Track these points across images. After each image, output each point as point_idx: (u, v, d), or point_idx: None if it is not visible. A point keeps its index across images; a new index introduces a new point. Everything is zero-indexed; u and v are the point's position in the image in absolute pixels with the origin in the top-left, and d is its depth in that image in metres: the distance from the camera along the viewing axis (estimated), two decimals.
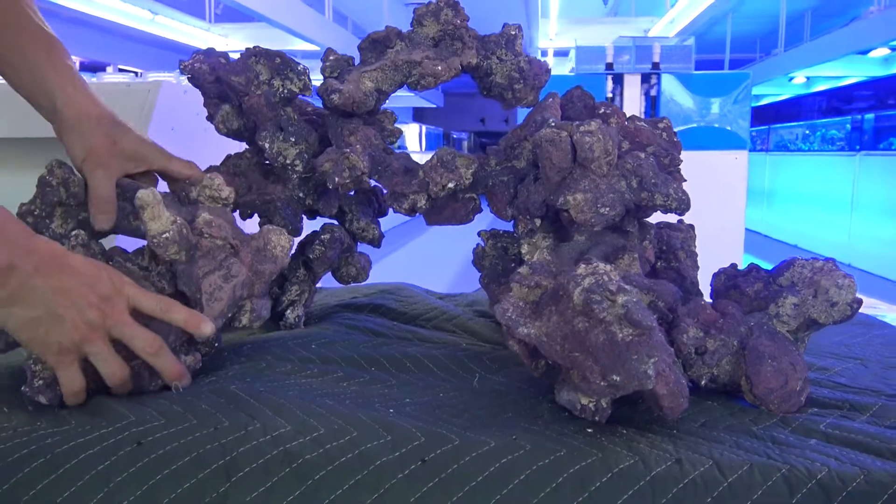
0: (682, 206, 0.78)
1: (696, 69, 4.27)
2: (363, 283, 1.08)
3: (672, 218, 0.94)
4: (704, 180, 4.08)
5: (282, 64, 0.87)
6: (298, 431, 0.56)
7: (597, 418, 0.62)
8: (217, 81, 0.89)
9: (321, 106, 0.94)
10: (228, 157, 0.97)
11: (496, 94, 0.94)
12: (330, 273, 0.99)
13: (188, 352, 0.71)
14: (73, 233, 0.72)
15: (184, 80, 1.77)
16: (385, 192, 0.99)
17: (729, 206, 4.14)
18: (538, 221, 0.85)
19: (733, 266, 0.80)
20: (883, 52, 7.68)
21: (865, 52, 7.41)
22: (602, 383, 0.57)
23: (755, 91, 12.03)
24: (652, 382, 0.57)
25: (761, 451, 0.55)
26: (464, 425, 0.59)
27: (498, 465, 0.53)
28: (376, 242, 1.03)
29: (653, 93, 4.17)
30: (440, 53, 0.90)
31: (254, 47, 0.87)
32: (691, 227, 0.95)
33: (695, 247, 0.93)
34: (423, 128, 13.40)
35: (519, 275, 0.69)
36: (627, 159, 0.79)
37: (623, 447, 0.55)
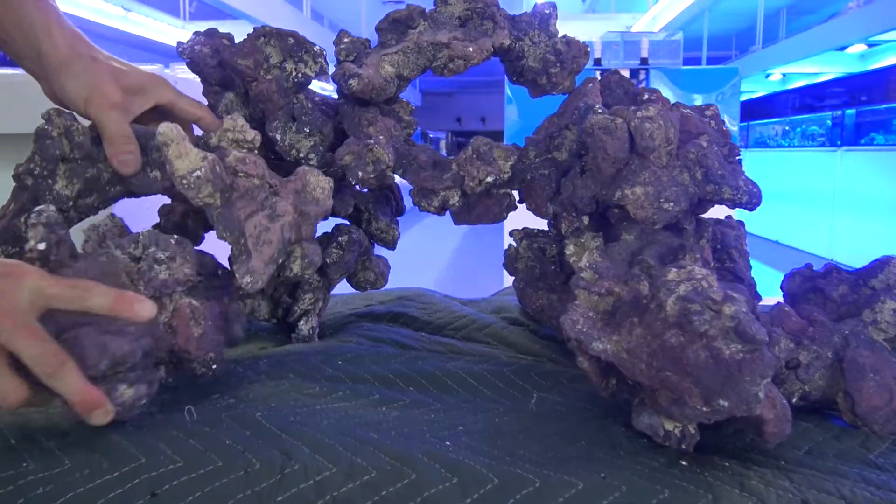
0: (754, 199, 0.70)
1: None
2: (377, 290, 0.99)
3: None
4: None
5: (295, 45, 0.77)
6: (347, 475, 0.47)
7: (683, 446, 0.54)
8: (220, 66, 0.79)
9: (332, 95, 0.85)
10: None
11: (528, 79, 0.85)
12: (346, 279, 0.90)
13: (138, 380, 0.54)
14: (36, 210, 0.58)
15: (172, 70, 1.65)
16: (400, 189, 0.90)
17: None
18: (585, 219, 0.76)
19: (809, 266, 0.72)
20: (860, 48, 7.72)
21: (843, 49, 7.44)
22: (704, 408, 0.49)
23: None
24: (761, 406, 0.48)
25: (893, 486, 0.47)
26: (537, 460, 0.50)
27: None
28: (392, 244, 0.93)
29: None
30: (469, 34, 0.81)
31: (263, 27, 0.77)
32: (741, 223, 0.87)
33: (746, 245, 0.85)
34: None
35: (584, 280, 0.60)
36: (690, 148, 0.70)
37: (733, 485, 0.47)
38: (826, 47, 7.05)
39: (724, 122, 0.84)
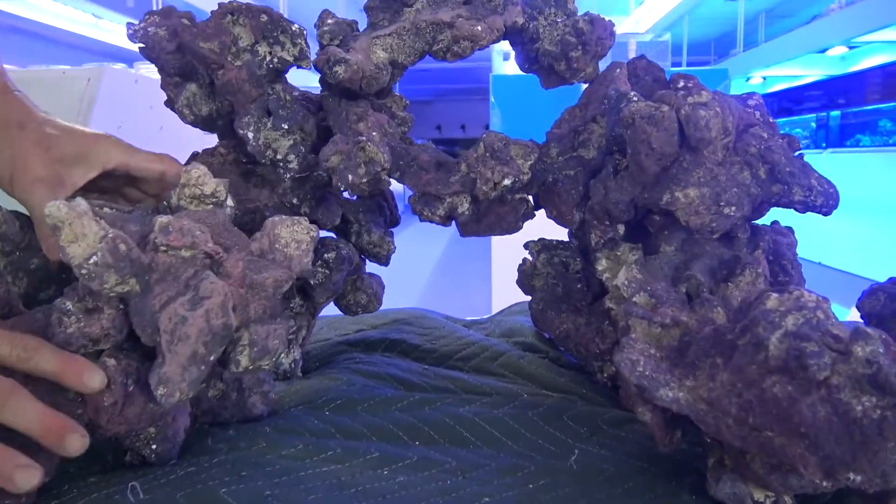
0: (831, 201, 0.58)
1: None
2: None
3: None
4: None
5: (269, 23, 0.64)
6: None
7: None
8: (179, 51, 0.66)
9: (315, 87, 0.73)
10: (195, 154, 0.74)
11: (543, 65, 0.73)
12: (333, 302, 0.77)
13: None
14: None
15: (136, 69, 1.51)
16: (398, 195, 0.77)
17: None
18: (621, 228, 0.64)
19: (893, 281, 0.60)
20: (841, 50, 7.70)
21: (823, 51, 7.42)
22: (825, 483, 0.36)
23: None
24: None
25: None
26: None
27: None
28: (385, 260, 0.80)
29: None
30: (475, 11, 0.68)
31: (230, 2, 0.64)
32: (791, 230, 0.75)
33: (797, 255, 0.73)
34: None
35: (639, 307, 0.48)
36: (751, 141, 0.58)
37: None
38: (806, 50, 7.02)
39: (768, 112, 0.72)
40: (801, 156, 0.64)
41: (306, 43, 0.65)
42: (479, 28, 0.65)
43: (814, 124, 6.69)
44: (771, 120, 0.71)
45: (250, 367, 0.46)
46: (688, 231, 0.60)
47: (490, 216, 0.69)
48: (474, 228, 0.71)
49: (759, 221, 0.66)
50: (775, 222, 0.76)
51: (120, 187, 0.66)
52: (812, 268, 6.25)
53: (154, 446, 0.48)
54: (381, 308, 0.83)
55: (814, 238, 6.54)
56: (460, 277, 5.26)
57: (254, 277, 0.48)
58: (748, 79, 10.54)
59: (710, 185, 0.55)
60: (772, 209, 0.63)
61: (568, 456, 0.51)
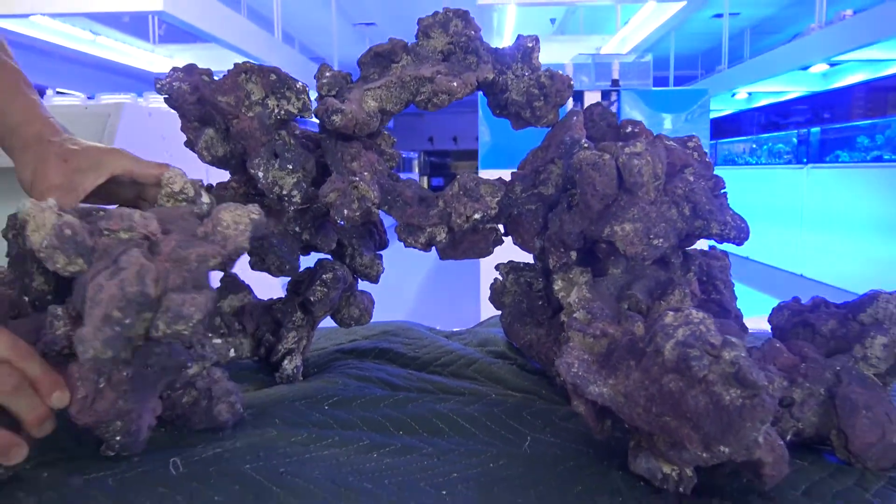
0: (742, 234, 0.70)
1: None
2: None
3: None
4: None
5: (277, 81, 0.76)
6: None
7: (681, 489, 0.53)
8: (199, 102, 0.78)
9: (316, 129, 0.84)
10: (210, 187, 0.85)
11: (511, 112, 0.85)
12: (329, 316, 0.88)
13: None
14: None
15: (145, 101, 1.64)
16: (379, 224, 0.89)
17: None
18: (573, 254, 0.75)
19: (796, 300, 0.72)
20: (822, 67, 7.90)
21: (806, 68, 7.61)
22: (704, 454, 0.48)
23: None
24: (759, 451, 0.48)
25: None
26: None
27: None
28: (375, 279, 0.92)
29: (612, 109, 4.15)
30: (452, 68, 0.80)
31: (244, 63, 0.76)
32: (726, 254, 0.87)
33: (730, 276, 0.85)
34: None
35: (577, 321, 0.60)
36: (678, 183, 0.70)
37: None
38: (789, 67, 7.20)
39: (706, 153, 0.84)
40: (724, 195, 0.76)
41: (308, 98, 0.77)
42: (455, 84, 0.77)
43: (795, 140, 6.85)
44: (707, 160, 0.83)
45: (168, 332, 0.53)
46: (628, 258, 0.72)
47: (465, 243, 0.81)
48: (451, 253, 0.82)
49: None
50: (712, 247, 0.88)
51: (117, 191, 0.79)
52: (792, 279, 6.38)
53: (118, 438, 0.57)
54: (373, 321, 0.94)
55: (793, 252, 6.68)
56: (452, 291, 5.38)
57: (179, 252, 0.56)
58: (734, 94, 10.74)
59: (642, 221, 0.67)
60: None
61: (523, 443, 0.62)
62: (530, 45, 0.83)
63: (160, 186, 0.75)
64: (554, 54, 5.96)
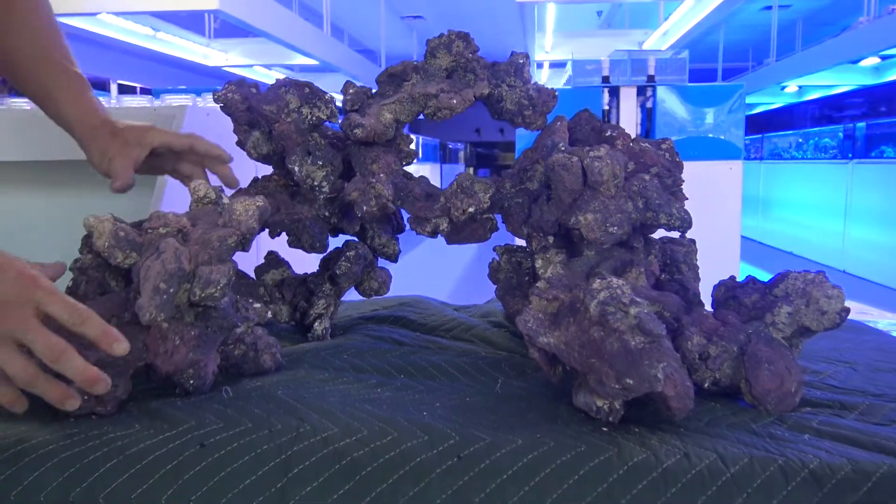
0: (685, 224, 0.85)
1: (690, 78, 4.36)
2: (382, 297, 1.15)
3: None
4: (701, 190, 4.14)
5: (310, 93, 0.93)
6: (345, 433, 0.63)
7: (611, 419, 0.69)
8: (248, 110, 0.96)
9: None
10: (256, 179, 1.03)
11: (507, 118, 1.01)
12: (353, 287, 1.06)
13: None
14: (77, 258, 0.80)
15: (203, 102, 1.85)
16: (405, 213, 1.05)
17: (725, 215, 4.21)
18: (551, 238, 0.91)
19: (732, 278, 0.87)
20: (873, 61, 7.79)
21: (856, 62, 7.52)
22: (616, 386, 0.64)
23: (748, 100, 12.17)
24: (661, 385, 0.63)
25: (760, 446, 0.62)
26: (492, 426, 0.65)
27: (526, 460, 0.60)
28: (394, 258, 1.09)
29: (648, 105, 4.24)
30: (454, 85, 0.97)
31: (284, 79, 0.94)
32: (692, 241, 1.01)
33: (696, 260, 0.99)
34: (420, 139, 13.52)
35: (538, 289, 0.76)
36: (634, 181, 0.85)
37: (637, 443, 0.62)
38: (837, 61, 7.13)
39: (677, 153, 0.99)
40: (679, 190, 0.91)
41: (336, 106, 0.94)
42: (455, 101, 0.93)
43: (840, 135, 6.80)
44: (678, 160, 0.98)
45: (203, 295, 0.70)
46: None
47: (466, 230, 0.98)
48: (455, 238, 0.99)
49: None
50: (682, 235, 1.02)
51: (171, 171, 1.07)
52: (835, 275, 6.35)
53: (192, 382, 0.75)
54: (396, 294, 1.11)
55: (839, 248, 6.64)
56: (471, 272, 5.55)
57: (205, 237, 0.75)
58: (783, 87, 10.61)
59: (601, 212, 0.83)
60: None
61: (496, 385, 0.79)
62: (521, 61, 0.99)
63: (193, 153, 1.02)
64: (596, 49, 6.04)
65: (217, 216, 0.80)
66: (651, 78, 4.20)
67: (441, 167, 15.74)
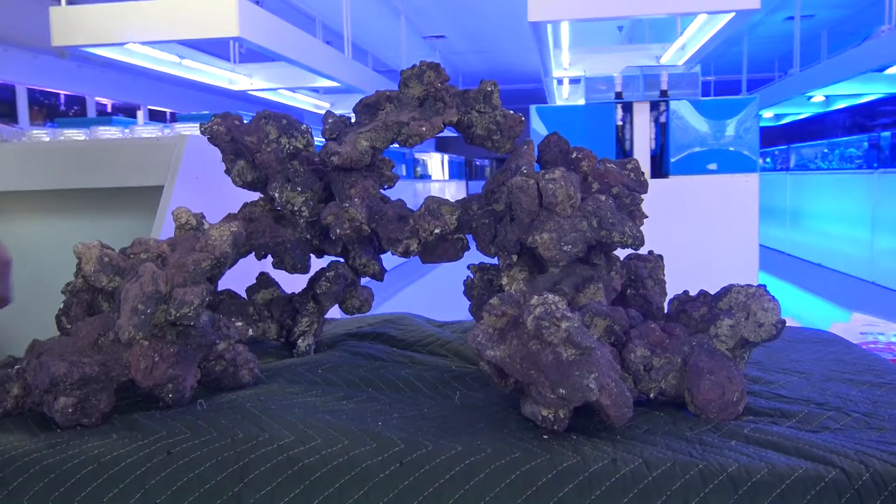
0: (637, 242, 0.89)
1: (715, 91, 4.37)
2: (370, 314, 1.20)
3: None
4: (718, 203, 4.16)
5: (287, 124, 1.00)
6: (300, 441, 0.68)
7: (556, 427, 0.73)
8: (232, 141, 1.02)
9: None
10: (245, 204, 1.10)
11: (478, 143, 1.06)
12: (337, 305, 1.11)
13: (68, 394, 0.75)
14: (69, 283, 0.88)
15: None
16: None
17: (742, 228, 4.20)
18: (515, 257, 0.96)
19: (685, 293, 0.91)
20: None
21: (881, 70, 7.43)
22: (552, 396, 0.68)
23: (775, 111, 12.06)
24: (595, 395, 0.68)
25: (685, 451, 0.66)
26: (439, 434, 0.70)
27: (462, 466, 0.64)
28: (378, 276, 1.14)
29: (662, 119, 4.26)
30: (424, 113, 1.02)
31: (263, 111, 1.00)
32: (660, 257, 1.05)
33: (663, 275, 1.03)
34: (446, 157, 13.67)
35: (490, 305, 0.80)
36: (589, 202, 0.90)
37: (569, 449, 0.66)
38: (861, 70, 7.06)
39: (643, 173, 1.03)
40: (637, 208, 0.95)
41: (311, 136, 1.00)
42: (424, 128, 0.98)
43: (865, 144, 6.72)
44: (643, 179, 1.02)
45: (178, 314, 0.77)
46: None
47: (438, 250, 1.03)
48: (429, 258, 1.04)
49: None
50: (651, 251, 1.06)
51: None
52: (863, 286, 6.26)
53: (171, 395, 0.81)
54: (385, 312, 1.17)
55: (867, 259, 6.55)
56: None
57: (181, 261, 0.81)
58: (809, 98, 10.50)
59: (556, 232, 0.87)
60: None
61: (455, 396, 0.83)
62: (489, 88, 1.04)
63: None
64: (615, 64, 6.07)
65: (195, 241, 0.86)
66: (664, 93, 4.22)
67: (467, 184, 15.85)
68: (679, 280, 1.12)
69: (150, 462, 0.67)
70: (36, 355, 0.81)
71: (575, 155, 1.03)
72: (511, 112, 1.03)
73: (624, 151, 4.27)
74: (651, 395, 0.79)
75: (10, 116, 6.45)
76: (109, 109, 8.32)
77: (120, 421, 0.77)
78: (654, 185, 4.28)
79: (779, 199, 8.80)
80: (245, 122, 1.02)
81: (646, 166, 4.19)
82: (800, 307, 5.71)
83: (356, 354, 1.01)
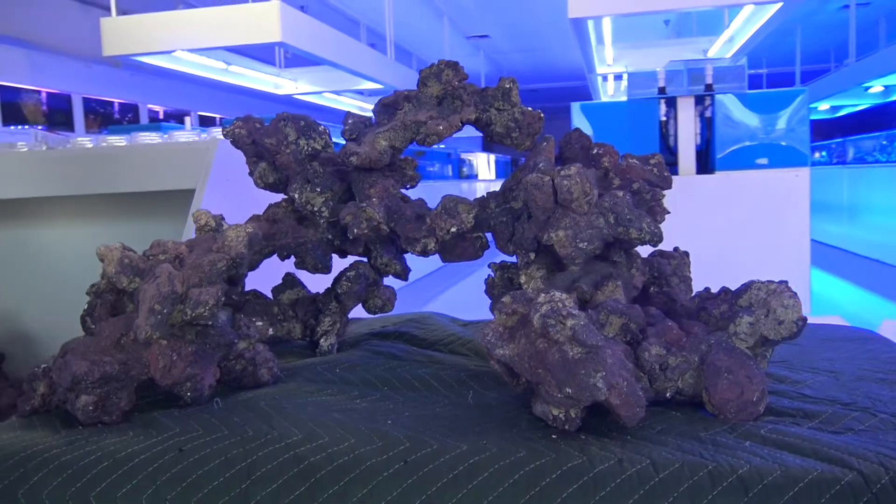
0: (655, 238, 0.87)
1: (767, 83, 4.27)
2: (395, 313, 1.20)
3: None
4: (767, 198, 4.05)
5: (305, 126, 1.01)
6: (307, 439, 0.68)
7: (567, 427, 0.72)
8: (254, 143, 1.04)
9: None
10: (270, 205, 1.11)
11: (497, 140, 1.05)
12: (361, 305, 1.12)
13: (89, 393, 0.77)
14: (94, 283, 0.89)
15: None
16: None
17: (792, 223, 4.08)
18: (532, 255, 0.95)
19: (707, 290, 0.88)
20: None
21: None
22: (559, 395, 0.67)
23: (831, 103, 11.69)
24: (603, 394, 0.66)
25: (696, 452, 0.64)
26: (447, 433, 0.70)
27: (466, 465, 0.64)
28: (403, 276, 1.14)
29: (707, 114, 4.17)
30: (442, 112, 1.02)
31: (282, 113, 1.02)
32: (685, 254, 1.02)
33: (688, 272, 1.00)
34: (493, 156, 13.64)
35: (501, 303, 0.79)
36: (605, 198, 0.88)
37: (576, 449, 0.65)
38: None
39: (666, 168, 1.01)
40: (656, 205, 0.93)
41: (329, 137, 1.01)
42: (441, 127, 0.98)
43: None
44: (665, 175, 1.00)
45: (194, 314, 0.78)
46: None
47: (457, 248, 1.02)
48: (449, 257, 1.04)
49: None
50: (676, 248, 1.04)
51: None
52: None
53: (189, 394, 0.82)
54: (413, 311, 1.17)
55: None
56: None
57: (196, 261, 0.82)
58: (867, 88, 10.15)
59: (572, 229, 0.86)
60: None
61: (468, 396, 0.83)
62: (508, 86, 1.03)
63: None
64: (660, 59, 5.97)
65: (213, 242, 0.87)
66: (709, 87, 4.13)
67: None
68: (725, 278, 1.08)
69: (162, 459, 0.68)
70: (62, 355, 0.84)
71: (596, 151, 1.02)
72: (529, 109, 1.02)
73: (668, 147, 4.20)
74: (668, 395, 0.77)
75: (67, 125, 6.68)
76: (161, 116, 8.54)
77: (139, 419, 0.78)
78: (700, 181, 4.19)
79: (835, 193, 8.52)
80: (266, 124, 1.04)
81: (691, 162, 4.11)
82: (853, 304, 5.52)
83: (376, 353, 1.01)
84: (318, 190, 1.01)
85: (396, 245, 1.15)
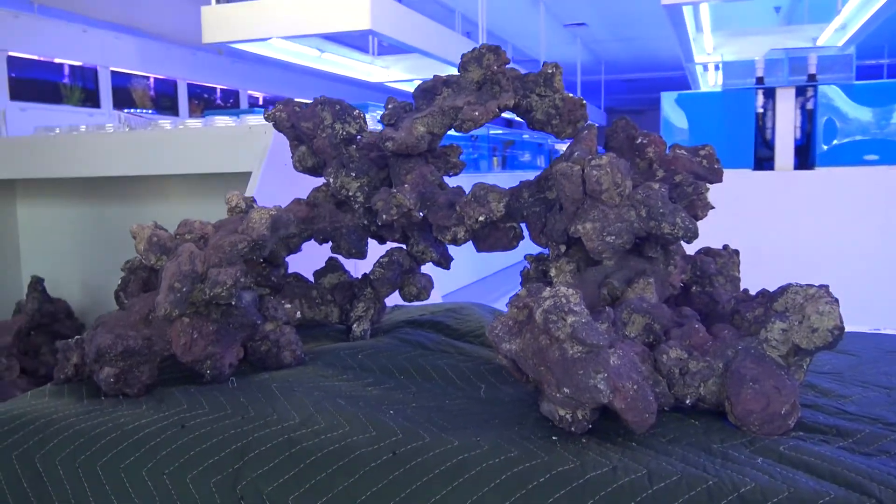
0: (689, 234, 0.81)
1: (888, 75, 4.00)
2: (435, 302, 1.19)
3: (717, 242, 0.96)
4: (873, 196, 3.78)
5: (341, 110, 1.00)
6: (303, 424, 0.68)
7: (573, 429, 0.68)
8: (293, 127, 1.04)
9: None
10: (313, 189, 1.12)
11: (538, 127, 1.02)
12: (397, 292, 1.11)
13: (111, 365, 0.80)
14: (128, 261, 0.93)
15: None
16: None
17: None
18: (563, 247, 0.91)
19: (745, 291, 0.82)
20: None
21: None
22: (558, 395, 0.64)
23: None
24: (605, 396, 0.63)
25: (700, 465, 0.59)
26: (445, 427, 0.68)
27: (455, 461, 0.62)
28: (444, 264, 1.13)
29: (809, 106, 3.94)
30: (481, 98, 0.99)
31: (320, 97, 1.01)
32: (735, 252, 0.96)
33: (736, 271, 0.94)
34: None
35: (516, 296, 0.77)
36: (639, 190, 0.84)
37: (571, 453, 0.62)
38: None
39: (717, 160, 0.95)
40: (697, 199, 0.87)
41: (364, 121, 1.00)
42: (477, 113, 0.95)
43: None
44: (716, 167, 0.94)
45: (212, 294, 0.79)
46: None
47: (490, 238, 1.00)
48: (483, 246, 1.01)
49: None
50: (726, 246, 0.98)
51: None
52: None
53: (209, 371, 0.83)
54: (459, 302, 1.16)
55: None
56: None
57: (219, 242, 0.83)
58: None
59: (600, 221, 0.82)
60: None
61: (481, 389, 0.81)
62: (550, 71, 0.99)
63: None
64: (764, 47, 5.67)
65: (238, 223, 0.88)
66: (812, 77, 3.89)
67: None
68: (824, 280, 1.00)
69: (165, 434, 0.69)
70: (94, 326, 0.87)
71: (640, 140, 0.97)
72: (570, 95, 0.98)
73: (765, 141, 3.99)
74: (688, 402, 0.72)
75: (172, 109, 7.01)
76: (261, 102, 8.83)
77: (158, 393, 0.80)
78: (800, 176, 3.96)
79: None
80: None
81: (789, 157, 3.90)
82: None
83: (404, 342, 1.00)
84: (354, 175, 1.01)
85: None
